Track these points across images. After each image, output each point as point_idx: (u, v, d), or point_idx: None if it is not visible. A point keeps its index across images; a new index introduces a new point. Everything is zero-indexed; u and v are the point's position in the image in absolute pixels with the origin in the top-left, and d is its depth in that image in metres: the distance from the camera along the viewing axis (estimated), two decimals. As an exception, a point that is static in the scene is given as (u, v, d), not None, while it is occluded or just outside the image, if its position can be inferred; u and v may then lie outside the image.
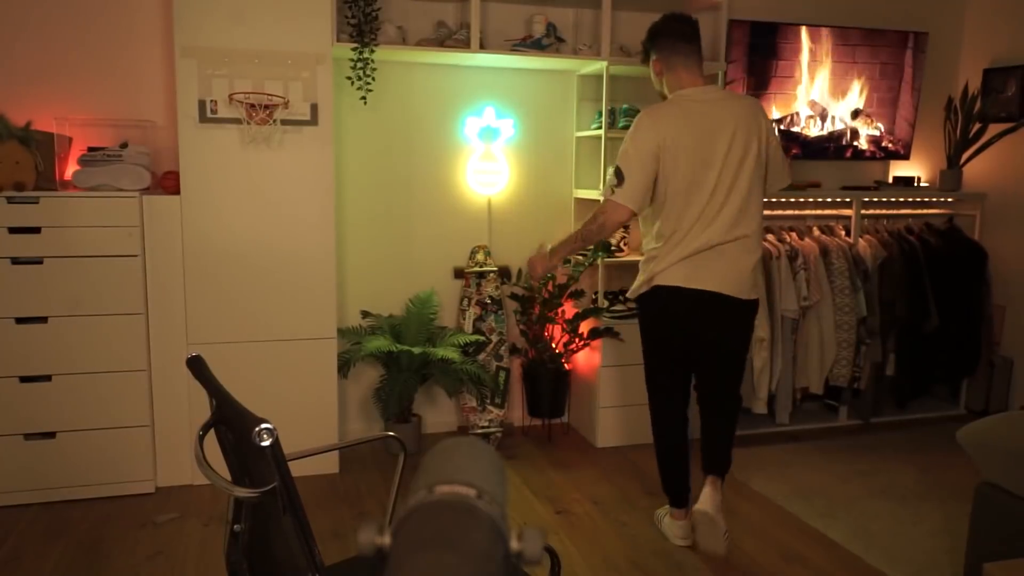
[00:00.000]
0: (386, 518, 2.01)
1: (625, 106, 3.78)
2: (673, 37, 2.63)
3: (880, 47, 4.22)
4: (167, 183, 3.20)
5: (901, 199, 4.30)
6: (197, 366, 1.45)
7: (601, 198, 2.75)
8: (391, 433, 1.94)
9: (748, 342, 2.76)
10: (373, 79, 3.40)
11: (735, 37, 3.89)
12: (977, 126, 4.24)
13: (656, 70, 2.68)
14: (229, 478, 1.54)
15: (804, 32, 4.06)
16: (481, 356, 3.68)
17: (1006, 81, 4.23)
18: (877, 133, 4.32)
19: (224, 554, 1.54)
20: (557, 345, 3.80)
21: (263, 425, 1.22)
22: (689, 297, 2.58)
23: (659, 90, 2.72)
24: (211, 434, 1.46)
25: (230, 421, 1.42)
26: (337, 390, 3.36)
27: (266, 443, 1.22)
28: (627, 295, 2.81)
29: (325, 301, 3.28)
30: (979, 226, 4.29)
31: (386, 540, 0.51)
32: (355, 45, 3.29)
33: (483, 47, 3.49)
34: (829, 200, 4.16)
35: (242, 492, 1.38)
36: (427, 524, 0.48)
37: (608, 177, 2.76)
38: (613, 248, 3.86)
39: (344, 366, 3.45)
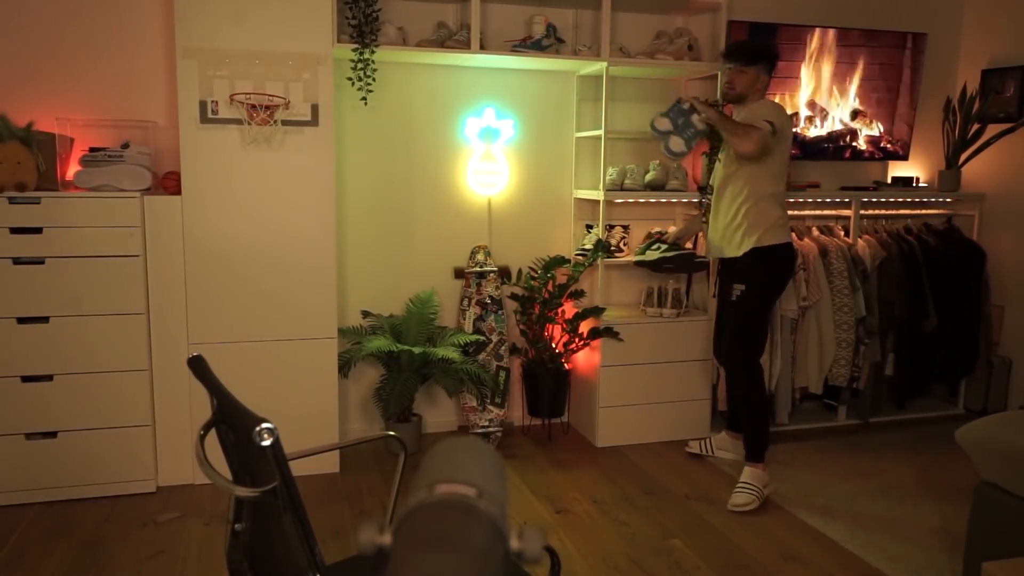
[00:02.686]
0: (387, 517, 2.02)
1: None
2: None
3: (879, 48, 4.22)
4: (168, 183, 3.21)
5: (900, 199, 4.31)
6: (198, 366, 1.46)
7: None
8: (391, 432, 1.95)
9: None
10: (374, 80, 3.41)
11: (735, 38, 3.89)
12: (976, 127, 4.24)
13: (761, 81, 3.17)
14: (230, 477, 1.54)
15: (803, 33, 4.07)
16: (481, 356, 3.69)
17: (1004, 82, 4.23)
18: (876, 134, 4.32)
19: (225, 553, 1.55)
20: (557, 345, 3.81)
21: (264, 425, 1.23)
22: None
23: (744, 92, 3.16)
24: (212, 433, 1.46)
25: (231, 421, 1.43)
26: (337, 390, 3.37)
27: (267, 443, 1.23)
28: (764, 243, 3.11)
29: (326, 301, 3.29)
30: (978, 226, 4.29)
31: (386, 539, 0.52)
32: (356, 46, 3.30)
33: (483, 48, 3.50)
34: (828, 200, 4.17)
35: (243, 491, 1.39)
36: (428, 523, 0.48)
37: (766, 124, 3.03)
38: (613, 248, 3.86)
39: (344, 366, 3.46)
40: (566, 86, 3.94)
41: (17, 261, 2.90)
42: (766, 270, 3.11)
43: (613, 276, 4.05)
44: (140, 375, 3.07)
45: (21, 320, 2.93)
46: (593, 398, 3.75)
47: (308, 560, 1.32)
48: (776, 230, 3.12)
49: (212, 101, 3.06)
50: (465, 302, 3.76)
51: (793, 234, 3.94)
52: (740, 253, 3.12)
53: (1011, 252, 4.25)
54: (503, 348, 3.73)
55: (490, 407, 3.69)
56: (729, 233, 3.15)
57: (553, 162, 3.97)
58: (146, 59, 3.33)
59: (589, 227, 3.93)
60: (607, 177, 3.73)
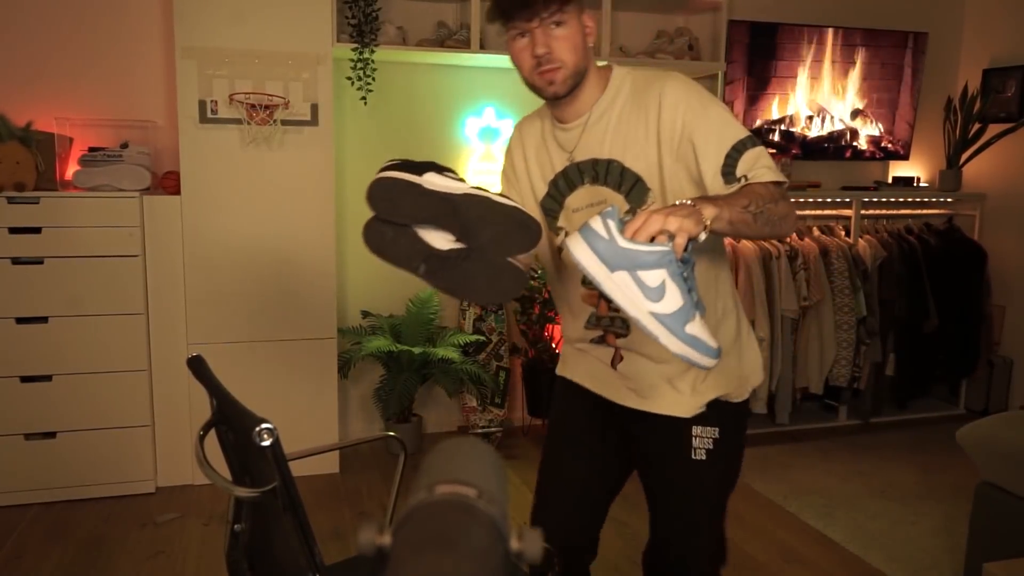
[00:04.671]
0: (387, 518, 2.02)
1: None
2: None
3: (880, 47, 4.22)
4: (167, 183, 3.20)
5: (900, 199, 4.30)
6: (198, 366, 1.46)
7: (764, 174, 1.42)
8: (391, 433, 1.94)
9: None
10: (373, 79, 3.40)
11: (735, 37, 3.89)
12: (976, 126, 4.24)
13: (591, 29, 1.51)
14: (230, 478, 1.54)
15: (804, 32, 4.06)
16: (481, 356, 3.69)
17: (1005, 81, 4.23)
18: (877, 133, 4.32)
19: (225, 554, 1.55)
20: (557, 345, 3.80)
21: (264, 425, 1.22)
22: None
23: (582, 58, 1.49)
24: (212, 434, 1.46)
25: (231, 421, 1.42)
26: (337, 390, 3.36)
27: (266, 443, 1.22)
28: (731, 397, 1.59)
29: (325, 301, 3.29)
30: (978, 226, 4.29)
31: (386, 540, 0.51)
32: (355, 45, 3.30)
33: (483, 47, 3.49)
34: (829, 200, 4.16)
35: (242, 492, 1.38)
36: (427, 524, 0.48)
37: (754, 148, 1.44)
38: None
39: (344, 366, 3.45)
40: (566, 86, 3.93)
41: (16, 261, 2.90)
42: (746, 410, 1.66)
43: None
44: (139, 375, 3.07)
45: (20, 320, 2.93)
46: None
47: (308, 560, 1.32)
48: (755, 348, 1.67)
49: (211, 101, 3.05)
50: (465, 302, 3.75)
51: (794, 234, 3.95)
52: (738, 399, 1.60)
53: (1012, 252, 4.25)
54: (503, 348, 3.73)
55: (490, 407, 3.69)
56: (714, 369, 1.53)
57: (553, 162, 3.96)
58: (145, 59, 3.33)
59: (589, 227, 3.92)
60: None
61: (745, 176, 1.40)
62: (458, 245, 1.35)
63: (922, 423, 4.17)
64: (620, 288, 1.16)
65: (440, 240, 1.38)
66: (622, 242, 1.16)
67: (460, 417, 3.96)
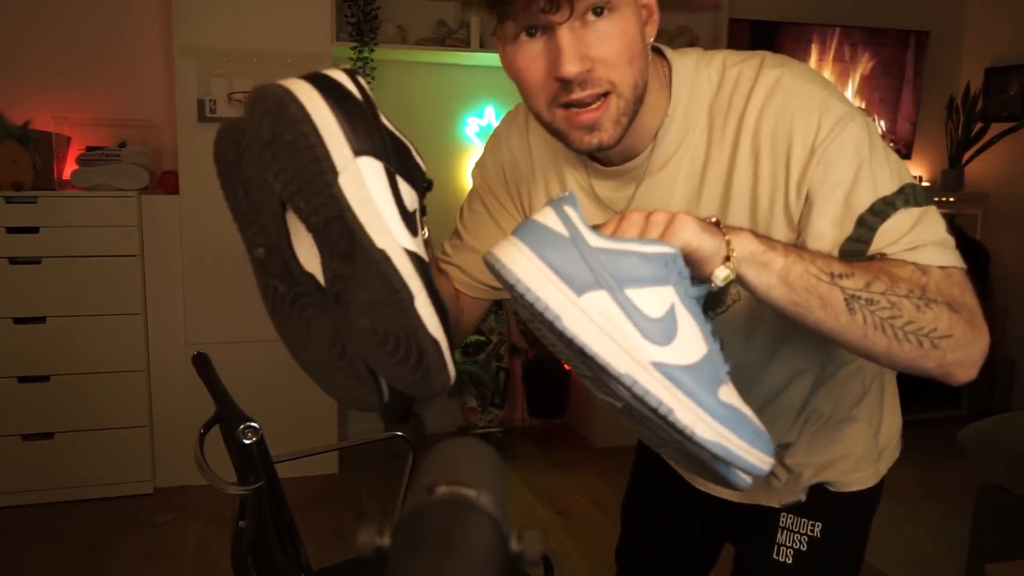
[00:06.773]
0: (393, 518, 2.01)
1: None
2: None
3: (881, 46, 4.21)
4: (166, 183, 3.19)
5: (902, 199, 4.30)
6: (202, 364, 1.45)
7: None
8: (399, 432, 1.93)
9: None
10: (373, 78, 3.39)
11: (736, 36, 3.88)
12: (979, 125, 4.23)
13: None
14: (233, 477, 1.53)
15: (805, 31, 4.05)
16: (481, 356, 3.68)
17: (1008, 80, 4.22)
18: (879, 132, 4.31)
19: (231, 550, 1.54)
20: (557, 345, 3.79)
21: (248, 424, 1.23)
22: None
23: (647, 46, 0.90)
24: (216, 434, 1.45)
25: (231, 420, 1.42)
26: (337, 390, 3.35)
27: (248, 441, 1.22)
28: (845, 485, 1.13)
29: (325, 301, 3.28)
30: (981, 226, 4.28)
31: (386, 541, 0.50)
32: (355, 44, 3.29)
33: (483, 46, 3.48)
34: (830, 200, 4.15)
35: (231, 489, 1.38)
36: (426, 525, 0.47)
37: (913, 207, 0.87)
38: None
39: (344, 366, 3.44)
40: (566, 85, 3.92)
41: (14, 261, 2.88)
42: (873, 500, 1.19)
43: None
44: (137, 375, 3.06)
45: (18, 320, 2.91)
46: (593, 398, 3.74)
47: (293, 560, 1.31)
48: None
49: (210, 100, 3.04)
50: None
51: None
52: (861, 485, 1.14)
53: (1014, 252, 4.24)
54: (503, 348, 3.72)
55: (490, 408, 3.67)
56: (820, 444, 1.11)
57: (553, 161, 3.96)
58: (144, 58, 3.32)
59: (590, 227, 3.92)
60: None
61: (883, 254, 0.84)
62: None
63: (923, 423, 4.16)
64: (595, 323, 0.66)
65: (306, 249, 0.81)
66: (595, 239, 0.69)
67: (460, 418, 3.95)
